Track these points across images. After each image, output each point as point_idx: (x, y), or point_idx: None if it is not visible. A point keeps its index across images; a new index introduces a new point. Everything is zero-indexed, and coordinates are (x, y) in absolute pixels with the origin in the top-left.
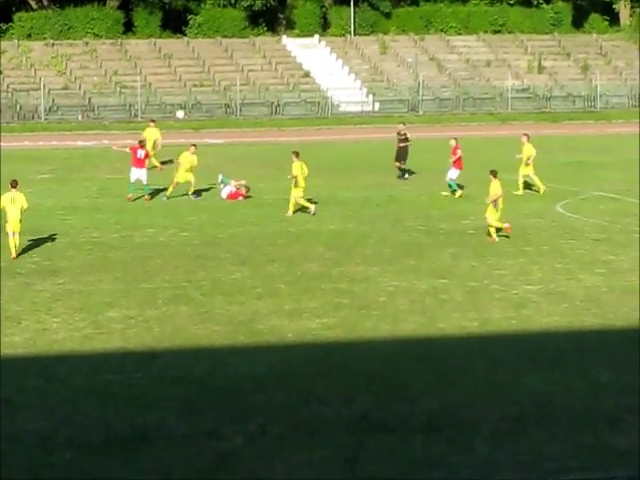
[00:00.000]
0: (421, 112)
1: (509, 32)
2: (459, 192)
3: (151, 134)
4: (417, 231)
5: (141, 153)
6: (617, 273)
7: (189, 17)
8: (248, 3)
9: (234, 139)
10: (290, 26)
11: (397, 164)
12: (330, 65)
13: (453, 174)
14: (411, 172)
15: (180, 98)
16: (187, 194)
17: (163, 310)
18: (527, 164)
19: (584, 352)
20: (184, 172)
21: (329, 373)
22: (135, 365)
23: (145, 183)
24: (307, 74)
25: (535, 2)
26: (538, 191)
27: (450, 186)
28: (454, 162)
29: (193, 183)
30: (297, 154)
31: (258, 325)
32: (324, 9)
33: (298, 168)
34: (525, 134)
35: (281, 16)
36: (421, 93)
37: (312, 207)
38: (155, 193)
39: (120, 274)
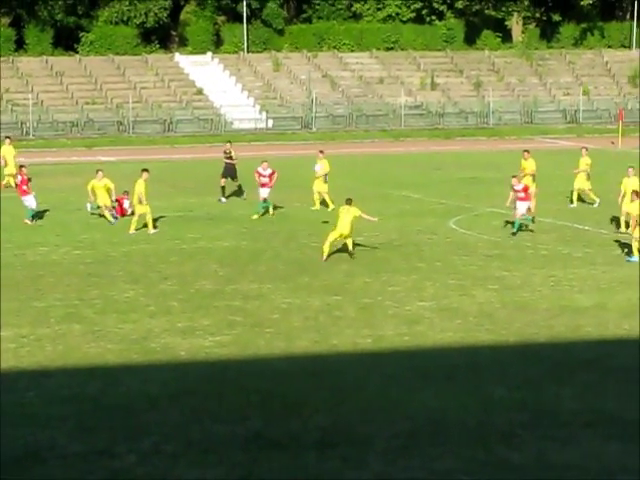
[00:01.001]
0: (314, 129)
1: (402, 49)
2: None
3: (7, 152)
4: (310, 248)
5: (19, 179)
6: (510, 289)
7: (81, 34)
8: (140, 20)
9: (127, 157)
10: (183, 43)
11: (223, 181)
12: (223, 82)
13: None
14: (242, 191)
15: (72, 116)
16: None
17: (55, 329)
18: (581, 176)
19: (477, 368)
20: (104, 196)
21: (223, 391)
22: (28, 384)
23: (31, 208)
24: (200, 91)
25: (428, 19)
26: (592, 203)
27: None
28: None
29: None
30: (322, 152)
31: (151, 343)
32: (217, 26)
33: (327, 165)
34: (584, 147)
35: (174, 33)
36: (314, 110)
37: (332, 205)
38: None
39: (12, 293)
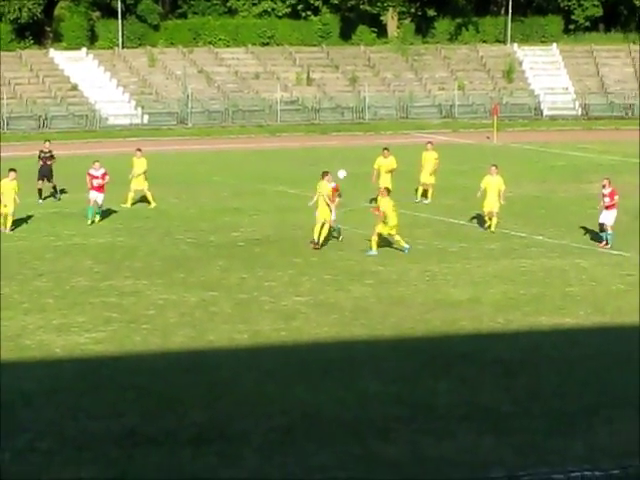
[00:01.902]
0: (190, 124)
1: (278, 44)
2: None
3: None
4: (186, 244)
5: None
6: (385, 283)
7: None
8: (14, 16)
9: (1, 153)
10: (57, 39)
11: (40, 183)
12: (98, 78)
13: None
14: (62, 191)
15: None
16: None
17: None
18: (426, 170)
19: (353, 363)
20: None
21: (98, 388)
22: None
23: None
24: (75, 87)
25: (303, 14)
26: (425, 199)
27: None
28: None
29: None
30: (140, 150)
31: (26, 340)
32: (91, 22)
33: (145, 163)
34: (429, 142)
35: (48, 29)
36: (190, 105)
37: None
38: None
39: None
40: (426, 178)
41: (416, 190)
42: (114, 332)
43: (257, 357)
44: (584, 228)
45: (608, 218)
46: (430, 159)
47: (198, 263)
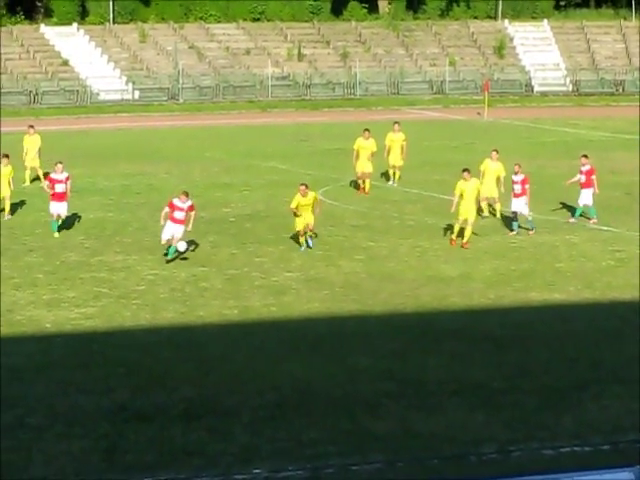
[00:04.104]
0: (181, 100)
1: (269, 20)
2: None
3: None
4: None
5: None
6: (376, 259)
7: None
8: None
9: None
10: (48, 14)
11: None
12: (89, 54)
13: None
14: None
15: None
16: None
17: None
18: (395, 151)
19: (343, 338)
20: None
21: (88, 363)
22: None
23: None
24: (66, 63)
25: None
26: (389, 181)
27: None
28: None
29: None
30: (32, 127)
31: (17, 316)
32: None
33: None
34: (396, 122)
35: (39, 4)
36: (181, 81)
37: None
38: None
39: None
40: (395, 160)
41: (389, 173)
42: (104, 307)
43: (247, 333)
44: (573, 204)
45: (586, 198)
46: (398, 140)
47: (188, 239)
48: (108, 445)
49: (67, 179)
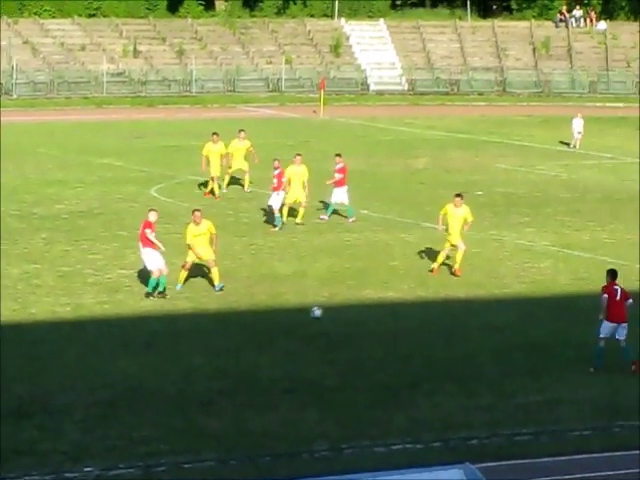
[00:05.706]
0: (15, 96)
1: (104, 16)
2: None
3: None
4: (10, 216)
5: None
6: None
7: None
8: None
9: None
10: None
11: None
12: None
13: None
14: None
15: None
16: None
17: None
18: (238, 157)
19: (177, 336)
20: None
21: None
22: None
23: None
24: None
25: None
26: (243, 186)
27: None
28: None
29: None
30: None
31: None
32: None
33: None
34: (241, 130)
35: None
36: (15, 77)
37: None
38: None
39: None
40: (241, 164)
41: (225, 180)
42: None
43: (80, 330)
44: (408, 203)
45: (339, 196)
46: (242, 149)
47: (21, 235)
48: None
49: None
